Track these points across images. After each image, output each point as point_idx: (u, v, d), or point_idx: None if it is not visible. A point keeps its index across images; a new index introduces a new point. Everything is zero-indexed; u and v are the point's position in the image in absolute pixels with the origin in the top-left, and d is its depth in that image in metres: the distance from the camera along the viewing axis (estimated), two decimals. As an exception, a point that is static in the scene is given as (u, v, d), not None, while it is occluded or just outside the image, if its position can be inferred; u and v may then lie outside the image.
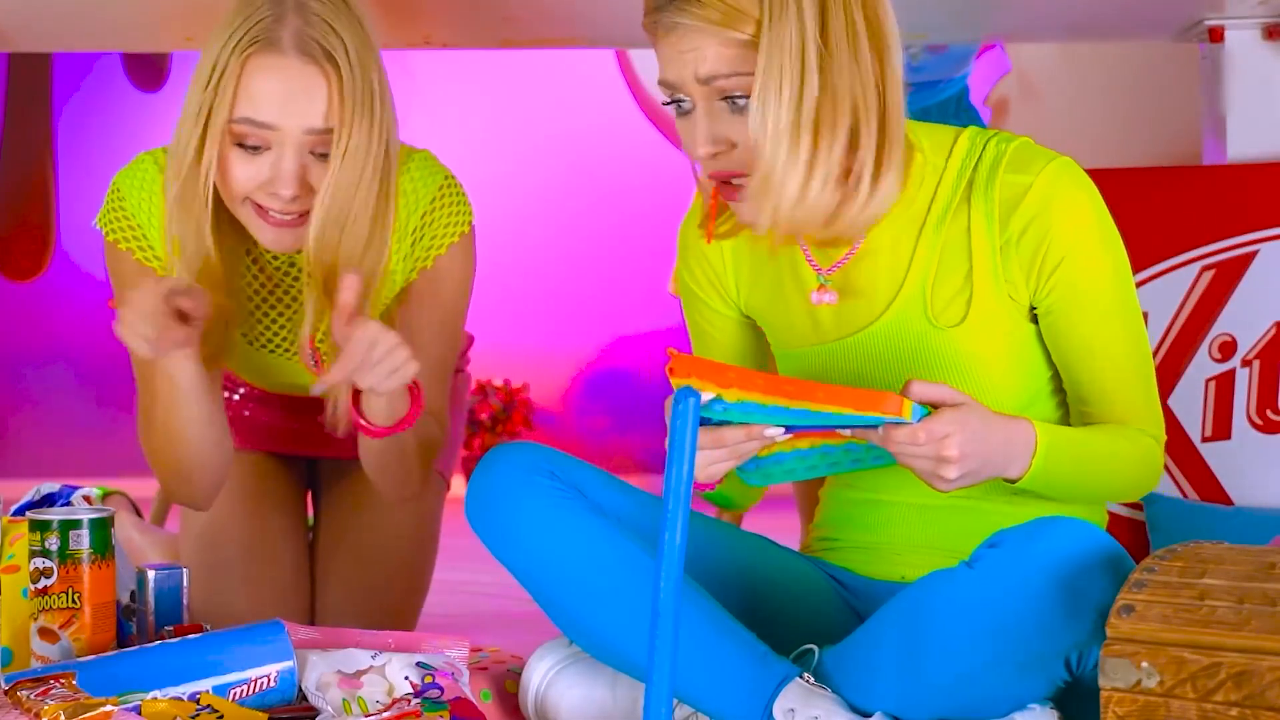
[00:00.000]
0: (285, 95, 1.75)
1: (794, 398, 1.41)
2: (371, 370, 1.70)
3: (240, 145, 1.76)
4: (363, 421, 1.82)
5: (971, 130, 1.62)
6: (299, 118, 1.75)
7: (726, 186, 1.58)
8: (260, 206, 1.79)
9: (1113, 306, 1.59)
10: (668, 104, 1.58)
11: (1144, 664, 1.20)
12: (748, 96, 1.51)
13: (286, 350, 2.00)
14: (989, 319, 1.58)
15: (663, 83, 1.56)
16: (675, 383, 1.43)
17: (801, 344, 1.67)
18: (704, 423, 1.45)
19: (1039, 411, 1.61)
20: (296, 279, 1.95)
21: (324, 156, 1.78)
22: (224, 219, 1.84)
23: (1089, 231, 1.57)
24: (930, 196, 1.60)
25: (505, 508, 1.56)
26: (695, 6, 1.51)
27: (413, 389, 1.82)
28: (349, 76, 1.76)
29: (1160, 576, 1.25)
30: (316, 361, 1.89)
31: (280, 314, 1.98)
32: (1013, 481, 1.50)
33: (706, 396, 1.42)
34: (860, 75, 1.52)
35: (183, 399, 1.84)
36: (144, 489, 2.57)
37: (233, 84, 1.74)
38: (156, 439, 1.90)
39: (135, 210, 1.90)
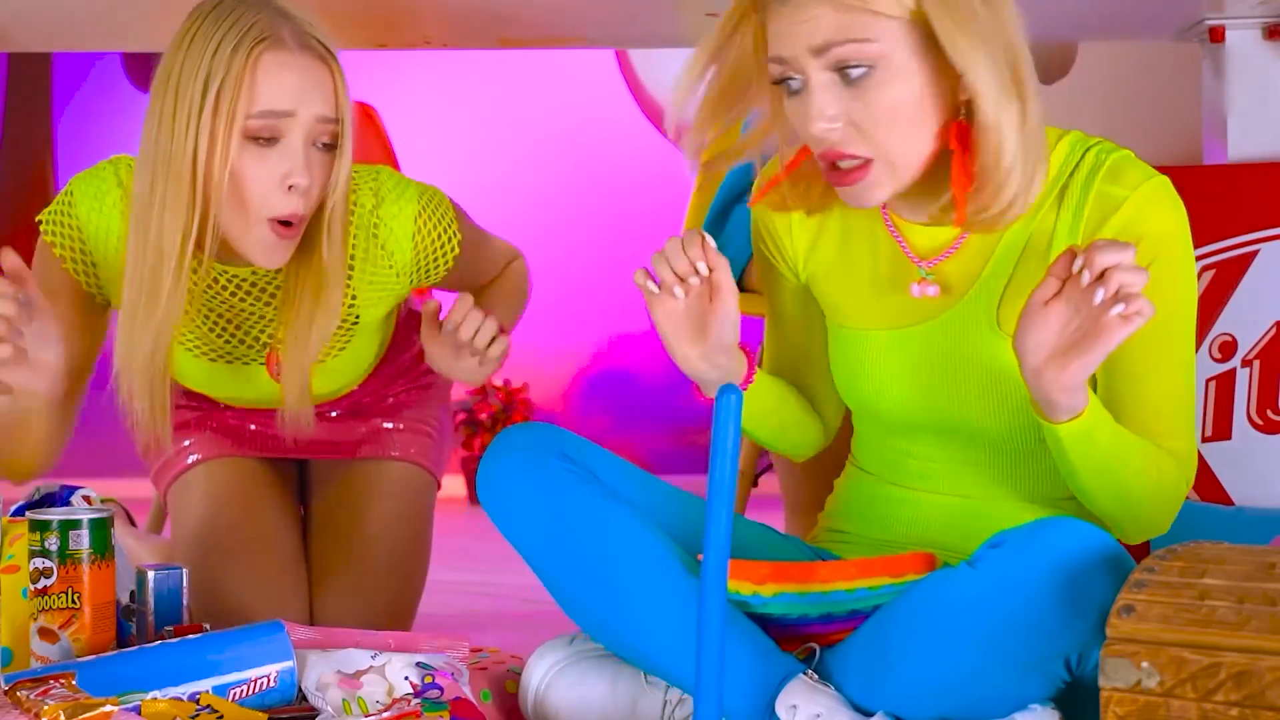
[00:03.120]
0: (299, 86, 1.81)
1: (828, 580, 1.46)
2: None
3: (254, 140, 1.80)
4: None
5: (1074, 135, 1.58)
6: (313, 105, 1.82)
7: (834, 170, 1.53)
8: (276, 222, 1.82)
9: (1175, 331, 1.55)
10: (777, 83, 1.53)
11: (1144, 664, 1.20)
12: (864, 68, 1.48)
13: (245, 360, 2.02)
14: None
15: (775, 59, 1.52)
16: None
17: (863, 325, 1.65)
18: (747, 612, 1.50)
19: None
20: (250, 293, 1.98)
21: (325, 147, 1.84)
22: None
23: (1173, 254, 1.53)
24: None
25: (517, 489, 1.55)
26: None
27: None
28: (343, 73, 1.86)
29: (1160, 576, 1.25)
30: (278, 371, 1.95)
31: (226, 326, 2.00)
32: (1058, 421, 1.44)
33: (746, 592, 1.48)
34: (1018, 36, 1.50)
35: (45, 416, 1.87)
36: (142, 490, 2.57)
37: (245, 83, 1.79)
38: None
39: (85, 221, 1.95)
